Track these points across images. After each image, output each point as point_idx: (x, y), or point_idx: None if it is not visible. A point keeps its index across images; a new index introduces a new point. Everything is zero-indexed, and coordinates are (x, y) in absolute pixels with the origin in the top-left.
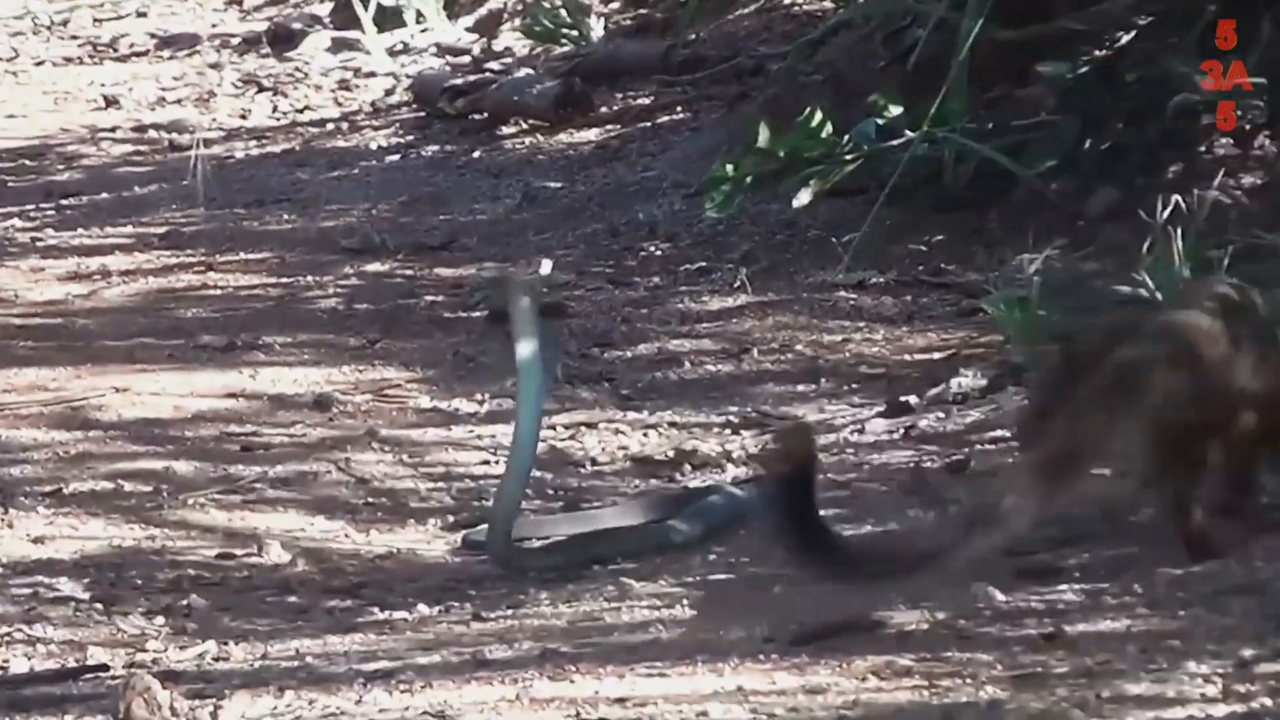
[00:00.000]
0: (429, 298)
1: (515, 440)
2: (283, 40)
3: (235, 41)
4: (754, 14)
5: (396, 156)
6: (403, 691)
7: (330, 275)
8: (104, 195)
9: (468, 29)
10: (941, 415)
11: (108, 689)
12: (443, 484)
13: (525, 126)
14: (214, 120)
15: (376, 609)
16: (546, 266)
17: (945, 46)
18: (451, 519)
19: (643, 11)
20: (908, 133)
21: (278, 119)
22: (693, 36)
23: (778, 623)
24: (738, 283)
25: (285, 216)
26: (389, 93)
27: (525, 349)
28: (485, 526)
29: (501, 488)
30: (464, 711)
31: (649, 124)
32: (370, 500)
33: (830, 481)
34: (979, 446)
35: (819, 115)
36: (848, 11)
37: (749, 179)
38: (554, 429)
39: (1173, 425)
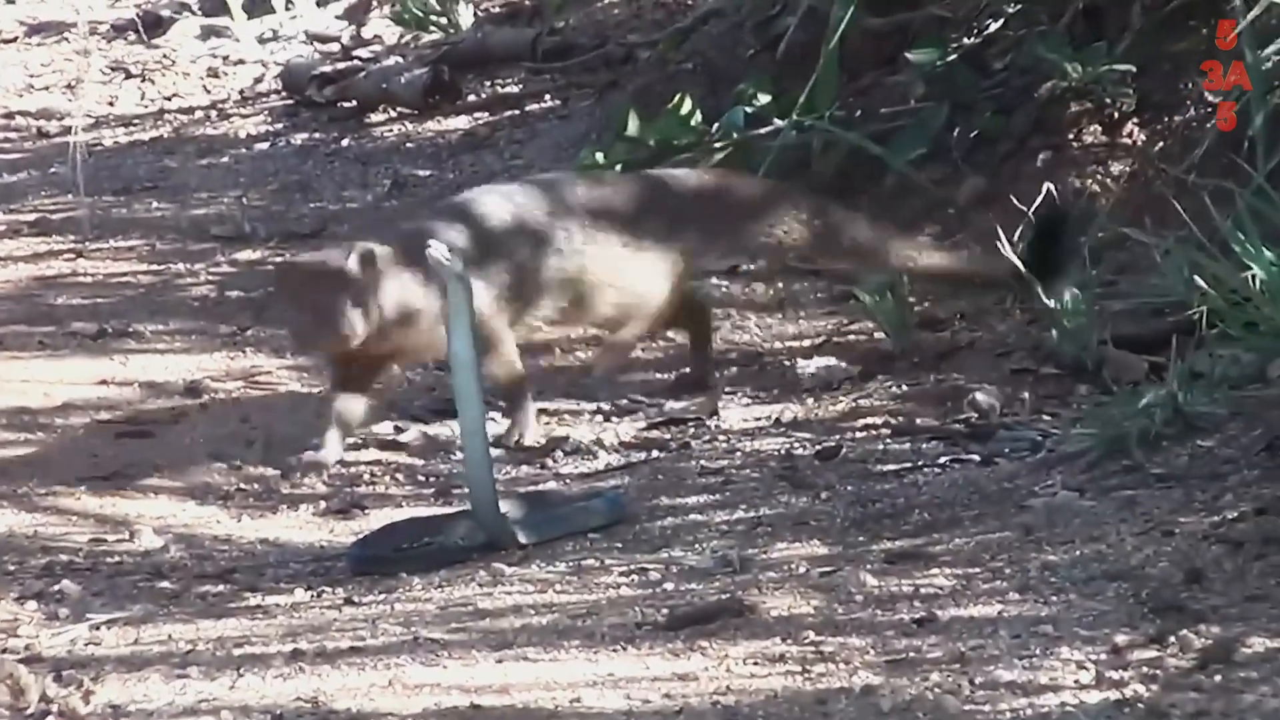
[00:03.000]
0: None
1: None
2: (151, 27)
3: (104, 28)
4: (623, 2)
5: (266, 144)
6: (276, 677)
7: (201, 263)
8: None
9: (337, 16)
10: (813, 402)
11: None
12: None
13: (394, 114)
14: (82, 107)
15: (249, 594)
16: (440, 250)
17: (815, 34)
18: (323, 504)
19: None
20: (777, 121)
21: (146, 106)
22: (562, 24)
23: (650, 608)
24: None
25: (155, 204)
26: (258, 80)
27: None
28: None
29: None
30: (337, 697)
31: (518, 112)
32: (242, 486)
33: (703, 468)
34: (850, 433)
35: (689, 103)
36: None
37: (618, 167)
38: (424, 419)
39: None
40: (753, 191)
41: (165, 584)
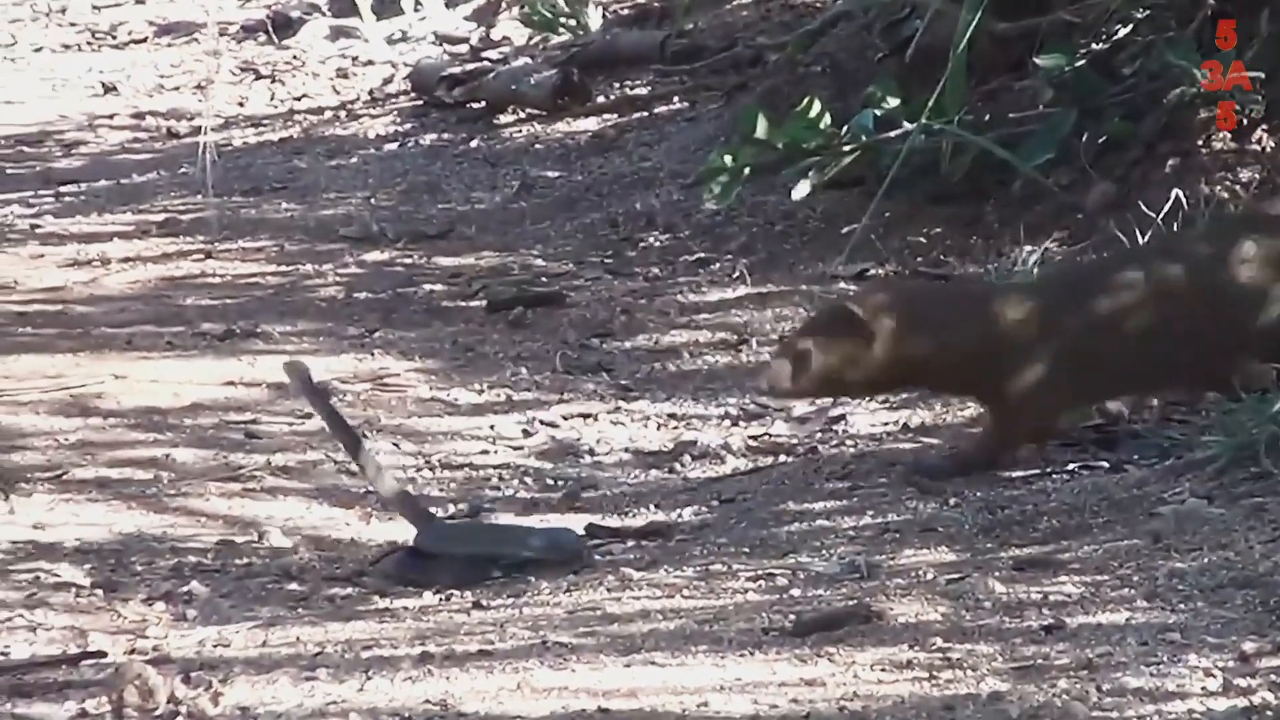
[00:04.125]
0: (428, 287)
1: None
2: (281, 28)
3: (233, 29)
4: (752, 4)
5: (394, 145)
6: (405, 680)
7: (329, 264)
8: (103, 182)
9: (466, 18)
10: (941, 408)
11: (107, 676)
12: (442, 473)
13: (523, 116)
14: (212, 108)
15: (377, 597)
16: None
17: (943, 38)
18: (451, 508)
19: (641, 1)
20: (905, 124)
21: (275, 107)
22: (690, 26)
23: (777, 614)
24: (736, 273)
25: (284, 205)
26: (387, 81)
27: None
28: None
29: None
30: (465, 700)
31: (646, 114)
32: (370, 489)
33: (831, 473)
34: None
35: (817, 106)
36: (846, 2)
37: (747, 170)
38: (554, 422)
39: None
40: None
41: (294, 586)
